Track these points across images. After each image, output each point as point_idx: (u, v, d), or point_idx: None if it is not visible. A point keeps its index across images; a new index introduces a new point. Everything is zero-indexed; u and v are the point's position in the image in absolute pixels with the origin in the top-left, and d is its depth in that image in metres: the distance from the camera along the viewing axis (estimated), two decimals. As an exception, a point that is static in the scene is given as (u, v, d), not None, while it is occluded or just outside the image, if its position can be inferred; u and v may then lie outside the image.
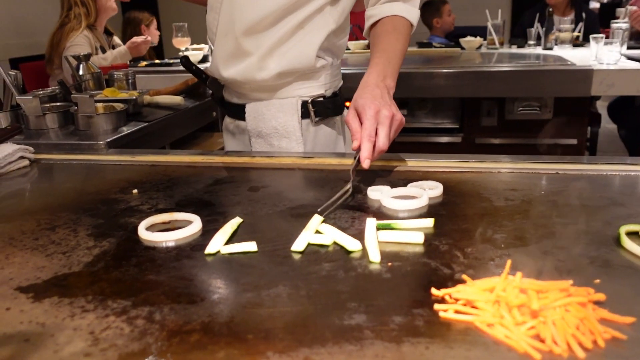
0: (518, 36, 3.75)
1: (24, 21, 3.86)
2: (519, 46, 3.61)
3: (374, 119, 0.95)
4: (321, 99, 1.29)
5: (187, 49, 3.35)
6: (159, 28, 4.29)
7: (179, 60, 3.36)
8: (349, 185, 0.91)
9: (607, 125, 4.34)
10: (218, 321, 0.57)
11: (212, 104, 2.01)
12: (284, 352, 0.51)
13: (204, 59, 3.34)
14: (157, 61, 3.52)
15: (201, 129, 2.02)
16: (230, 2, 1.21)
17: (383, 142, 0.94)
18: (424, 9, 4.10)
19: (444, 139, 2.87)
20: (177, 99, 1.76)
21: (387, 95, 1.02)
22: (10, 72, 1.52)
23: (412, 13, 1.19)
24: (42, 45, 3.20)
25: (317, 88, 1.28)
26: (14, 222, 0.88)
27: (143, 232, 0.80)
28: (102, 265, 0.71)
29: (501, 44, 3.62)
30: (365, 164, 0.92)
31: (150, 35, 3.57)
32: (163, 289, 0.64)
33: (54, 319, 0.58)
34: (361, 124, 0.96)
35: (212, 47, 1.32)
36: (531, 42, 3.56)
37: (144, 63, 3.29)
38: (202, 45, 3.52)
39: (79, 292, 0.64)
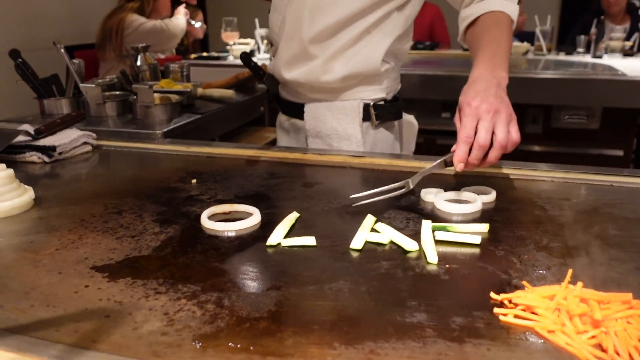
0: (566, 43, 3.69)
1: (79, 8, 3.97)
2: (567, 53, 3.55)
3: (474, 116, 0.88)
4: (382, 102, 1.30)
5: (234, 43, 3.41)
6: (205, 22, 4.36)
7: (227, 54, 3.43)
8: (405, 184, 0.90)
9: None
10: (284, 310, 0.60)
11: (261, 99, 2.05)
12: (350, 344, 0.53)
13: (250, 54, 3.40)
14: (205, 54, 3.59)
15: (249, 122, 2.06)
16: (298, 7, 1.22)
17: (483, 137, 0.85)
18: None
19: (486, 144, 2.84)
20: (230, 93, 1.81)
21: (495, 87, 0.92)
22: (74, 61, 1.58)
23: (512, 7, 1.12)
24: (94, 34, 3.30)
25: (379, 91, 1.29)
26: (83, 205, 0.92)
27: (206, 221, 0.83)
28: (170, 251, 0.75)
29: (549, 50, 3.57)
30: (459, 167, 0.86)
31: (193, 30, 3.64)
32: (229, 276, 0.68)
33: (130, 299, 0.62)
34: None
35: (273, 45, 1.34)
36: (580, 49, 3.50)
37: (193, 55, 3.36)
38: (249, 40, 3.58)
39: (150, 275, 0.68)
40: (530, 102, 2.66)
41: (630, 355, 0.51)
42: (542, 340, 0.54)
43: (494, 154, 0.87)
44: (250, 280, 0.67)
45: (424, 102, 2.77)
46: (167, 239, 0.79)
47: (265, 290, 0.64)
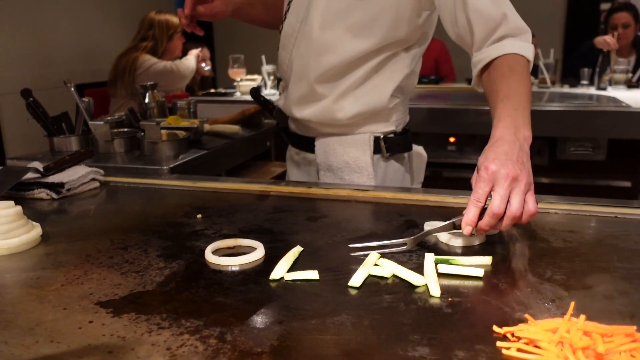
0: (569, 75, 3.72)
1: (90, 49, 4.08)
2: (572, 86, 3.58)
3: (489, 181, 0.84)
4: (392, 135, 1.32)
5: (242, 80, 3.47)
6: (212, 59, 4.46)
7: (234, 90, 3.49)
8: (405, 243, 0.87)
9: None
10: (286, 345, 0.60)
11: (267, 134, 2.08)
12: (352, 378, 0.53)
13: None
14: (212, 90, 3.66)
15: (255, 157, 2.08)
16: (305, 48, 1.25)
17: (497, 206, 0.81)
18: None
19: (493, 176, 2.85)
20: (236, 128, 1.84)
21: (517, 150, 0.88)
22: (84, 99, 1.62)
23: (527, 49, 1.06)
24: (104, 72, 3.38)
25: (388, 125, 1.31)
26: (90, 241, 0.94)
27: (210, 256, 0.84)
28: (174, 286, 0.75)
29: (553, 83, 3.60)
30: (466, 230, 0.83)
31: (201, 68, 3.72)
32: (232, 311, 0.68)
33: (133, 334, 0.63)
34: None
35: (282, 81, 1.37)
36: (584, 82, 3.53)
37: (200, 92, 3.42)
38: (255, 76, 3.64)
39: (154, 310, 0.68)
40: (535, 134, 2.67)
41: (634, 389, 0.50)
42: (545, 374, 0.54)
43: (505, 223, 0.83)
44: (253, 314, 0.67)
45: (430, 135, 2.79)
46: (172, 274, 0.79)
47: (267, 325, 0.64)
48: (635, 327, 0.58)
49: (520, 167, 0.85)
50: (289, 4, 1.30)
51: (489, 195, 0.84)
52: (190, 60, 3.42)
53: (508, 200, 0.82)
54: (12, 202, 0.91)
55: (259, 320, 0.66)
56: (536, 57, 3.59)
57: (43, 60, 3.72)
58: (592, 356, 0.54)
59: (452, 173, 2.85)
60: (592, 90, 3.37)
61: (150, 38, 3.27)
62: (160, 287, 0.75)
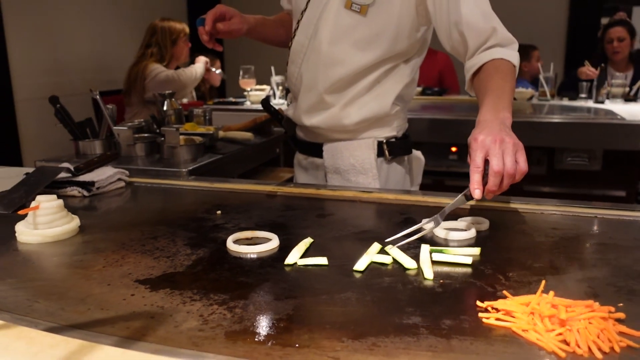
0: (569, 89, 3.83)
1: (103, 58, 4.22)
2: (571, 99, 3.69)
3: (481, 149, 0.95)
4: (394, 139, 1.44)
5: (251, 90, 3.59)
6: (222, 69, 4.58)
7: (244, 99, 3.62)
8: (430, 223, 0.99)
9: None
10: (300, 314, 0.71)
11: (276, 141, 2.19)
12: (356, 338, 0.64)
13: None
14: (222, 99, 3.78)
15: (265, 163, 2.20)
16: (314, 62, 1.38)
17: (496, 164, 0.92)
18: None
19: (493, 185, 2.96)
20: (248, 135, 1.95)
21: (499, 125, 0.99)
22: (108, 106, 1.74)
23: (513, 55, 1.21)
24: (118, 81, 3.52)
25: (390, 130, 1.44)
26: (122, 231, 1.05)
27: (231, 245, 0.95)
28: (201, 268, 0.86)
29: (552, 96, 3.71)
30: (476, 194, 0.93)
31: (211, 78, 3.83)
32: (253, 287, 0.79)
33: (170, 304, 0.74)
34: None
35: (291, 92, 1.50)
36: (583, 95, 3.64)
37: (210, 102, 3.55)
38: (265, 86, 3.76)
39: (185, 287, 0.79)
40: (534, 144, 2.79)
41: (589, 348, 0.61)
42: (518, 337, 0.64)
43: (505, 183, 0.93)
44: (271, 291, 0.78)
45: (433, 144, 2.90)
46: (198, 259, 0.90)
47: (284, 299, 0.75)
48: (593, 301, 0.69)
49: (505, 132, 0.97)
50: (297, 22, 1.42)
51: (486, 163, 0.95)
52: (196, 67, 3.52)
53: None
54: (54, 196, 1.03)
55: (277, 295, 0.76)
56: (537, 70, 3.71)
57: (59, 69, 3.86)
58: (557, 323, 0.65)
59: (453, 181, 2.96)
60: (590, 104, 3.48)
61: (154, 44, 3.39)
62: (189, 269, 0.86)
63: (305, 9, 1.39)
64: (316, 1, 1.37)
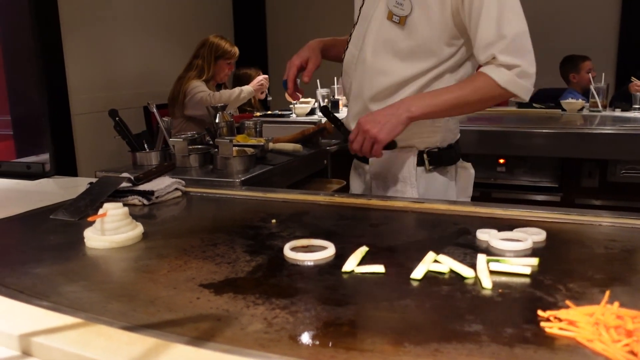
0: (621, 99, 3.73)
1: (152, 73, 4.37)
2: (623, 110, 3.59)
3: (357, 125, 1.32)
4: (436, 149, 1.45)
5: (297, 103, 3.64)
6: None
7: (290, 112, 3.67)
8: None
9: None
10: (362, 319, 0.72)
11: (324, 153, 2.22)
12: (418, 344, 0.65)
13: (311, 112, 3.64)
14: (269, 112, 3.85)
15: (313, 174, 2.23)
16: (361, 72, 1.44)
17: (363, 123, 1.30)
18: (564, 62, 4.21)
19: (542, 197, 2.91)
20: (298, 147, 1.99)
21: (390, 109, 1.29)
22: (164, 119, 1.81)
23: (501, 74, 1.26)
24: (165, 94, 3.63)
25: (433, 141, 1.45)
26: (183, 238, 1.09)
27: (288, 252, 0.97)
28: (261, 274, 0.89)
29: (604, 107, 3.62)
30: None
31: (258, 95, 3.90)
32: (313, 294, 0.81)
33: (234, 308, 0.76)
34: None
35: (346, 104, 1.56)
36: (636, 106, 3.54)
37: (257, 114, 3.62)
38: (309, 99, 3.81)
39: (248, 291, 0.82)
40: (585, 156, 2.73)
41: (658, 359, 0.60)
42: (582, 347, 0.64)
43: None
44: (331, 297, 0.80)
45: (480, 156, 2.88)
46: (258, 266, 0.93)
47: (344, 305, 0.77)
48: (663, 313, 0.68)
49: (380, 117, 1.29)
50: (350, 35, 1.47)
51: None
52: (244, 88, 3.53)
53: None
54: (120, 204, 1.08)
55: (337, 300, 0.78)
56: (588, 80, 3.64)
57: (111, 84, 4.01)
58: (623, 334, 0.64)
59: (500, 193, 2.92)
60: (644, 114, 3.38)
61: (200, 56, 3.50)
62: (250, 275, 0.89)
63: (356, 22, 1.44)
64: (365, 14, 1.42)
